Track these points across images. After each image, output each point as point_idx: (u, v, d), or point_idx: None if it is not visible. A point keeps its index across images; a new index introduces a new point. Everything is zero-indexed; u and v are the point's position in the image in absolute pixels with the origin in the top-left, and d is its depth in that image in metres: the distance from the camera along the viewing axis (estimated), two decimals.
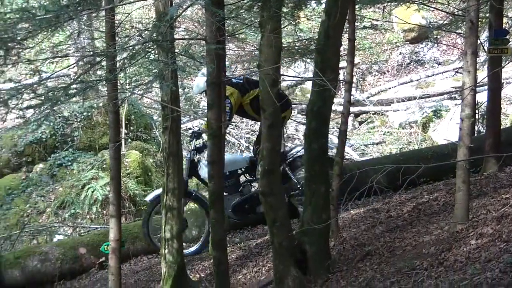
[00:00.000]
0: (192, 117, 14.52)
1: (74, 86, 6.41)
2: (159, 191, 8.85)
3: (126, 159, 11.96)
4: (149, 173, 12.37)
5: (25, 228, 11.37)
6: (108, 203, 8.86)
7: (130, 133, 12.82)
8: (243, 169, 8.83)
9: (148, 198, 8.86)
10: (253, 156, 8.67)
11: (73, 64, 11.67)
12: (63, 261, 8.85)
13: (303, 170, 7.36)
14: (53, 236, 9.82)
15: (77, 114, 12.91)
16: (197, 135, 8.77)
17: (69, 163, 12.62)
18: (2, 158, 13.17)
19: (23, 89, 6.17)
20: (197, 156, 8.66)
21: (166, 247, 6.65)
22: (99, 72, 8.26)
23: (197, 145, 8.66)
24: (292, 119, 14.11)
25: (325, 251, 5.89)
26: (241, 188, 8.74)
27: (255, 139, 9.39)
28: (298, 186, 8.44)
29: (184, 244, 8.56)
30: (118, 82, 6.25)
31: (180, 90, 7.18)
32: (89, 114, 12.83)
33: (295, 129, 15.32)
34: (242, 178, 8.91)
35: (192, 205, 9.18)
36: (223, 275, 5.46)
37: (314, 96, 5.77)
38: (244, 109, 8.60)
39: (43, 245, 10.08)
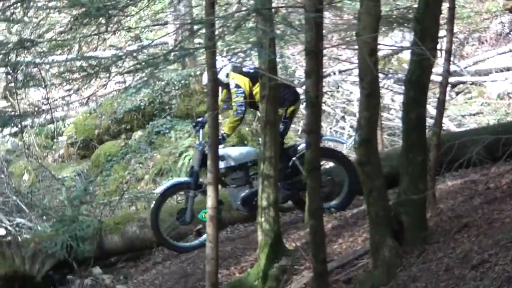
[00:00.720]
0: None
1: (173, 53, 6.61)
2: (169, 183, 9.11)
3: (223, 128, 12.24)
4: (245, 142, 12.58)
5: (124, 195, 11.81)
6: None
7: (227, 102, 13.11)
8: (252, 162, 8.86)
9: (158, 190, 9.09)
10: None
11: (172, 32, 11.96)
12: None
13: None
14: (151, 203, 10.15)
15: (175, 82, 13.22)
16: (202, 124, 8.86)
17: (167, 131, 12.98)
18: (102, 125, 13.67)
19: (124, 56, 6.41)
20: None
21: (263, 215, 6.81)
22: (196, 40, 8.48)
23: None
24: (388, 89, 14.08)
25: (422, 222, 5.92)
26: (250, 180, 8.81)
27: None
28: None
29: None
30: (217, 50, 6.38)
31: (277, 59, 7.28)
32: (187, 82, 13.12)
33: (391, 99, 15.24)
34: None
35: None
36: (319, 244, 5.56)
37: (412, 65, 5.78)
38: (255, 99, 8.62)
39: (142, 212, 10.47)
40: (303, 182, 8.43)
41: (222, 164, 8.49)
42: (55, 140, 15.89)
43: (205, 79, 8.39)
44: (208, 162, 6.06)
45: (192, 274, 8.09)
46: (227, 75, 8.72)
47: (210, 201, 5.97)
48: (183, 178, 9.05)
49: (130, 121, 13.52)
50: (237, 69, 8.82)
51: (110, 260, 10.22)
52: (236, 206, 8.91)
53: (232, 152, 8.90)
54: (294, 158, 8.69)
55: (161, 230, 8.85)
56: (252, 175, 8.82)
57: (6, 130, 13.42)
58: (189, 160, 11.64)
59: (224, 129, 8.74)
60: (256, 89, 8.39)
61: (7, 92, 17.03)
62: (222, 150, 8.45)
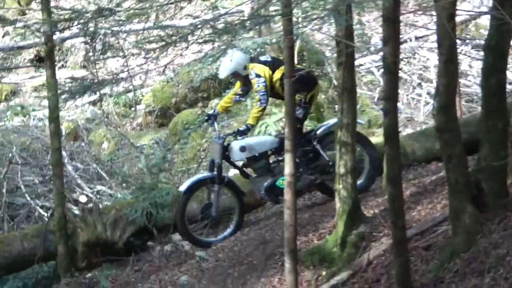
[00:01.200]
0: (365, 52, 14.65)
1: (249, 21, 6.70)
2: (193, 179, 9.16)
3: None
4: (321, 109, 12.65)
5: (202, 162, 12.06)
6: None
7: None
8: (273, 150, 8.94)
9: (182, 188, 9.11)
10: (282, 136, 8.65)
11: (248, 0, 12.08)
12: None
13: (333, 147, 7.61)
14: (228, 171, 10.36)
15: (251, 51, 13.35)
16: (214, 118, 9.01)
17: (243, 99, 13.16)
18: (179, 93, 13.95)
19: (201, 25, 6.54)
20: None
21: (341, 182, 6.91)
22: (272, 8, 8.53)
23: (239, 129, 8.94)
24: (465, 55, 13.92)
25: (502, 188, 5.92)
26: (271, 169, 8.89)
27: None
28: (330, 163, 8.50)
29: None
30: (293, 17, 6.45)
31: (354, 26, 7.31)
32: (263, 50, 13.23)
33: (469, 65, 15.07)
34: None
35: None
36: (398, 211, 5.62)
37: (492, 31, 5.76)
38: (275, 87, 8.71)
39: None
40: (325, 166, 8.56)
41: (244, 155, 8.78)
42: (133, 109, 16.33)
43: (223, 72, 8.95)
44: (285, 130, 6.15)
45: (271, 241, 8.27)
46: (245, 67, 8.78)
47: (287, 168, 6.08)
48: (206, 174, 9.04)
49: (207, 89, 13.77)
50: (255, 60, 8.97)
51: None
52: (260, 195, 9.09)
53: (252, 141, 8.97)
54: (314, 143, 8.75)
55: (190, 230, 9.11)
56: (273, 163, 8.97)
57: (86, 99, 13.81)
58: (266, 127, 11.80)
59: (248, 120, 8.91)
60: (276, 75, 8.61)
61: (86, 61, 17.54)
62: (242, 141, 8.75)
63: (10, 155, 13.13)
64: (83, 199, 12.11)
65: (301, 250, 7.22)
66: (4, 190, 12.36)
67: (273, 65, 8.72)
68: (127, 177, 12.27)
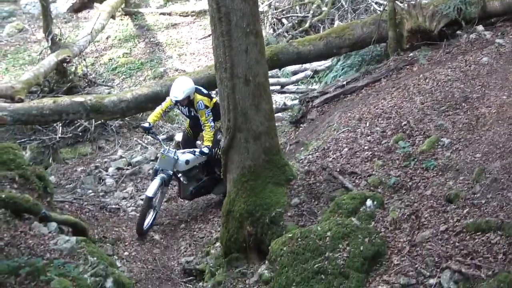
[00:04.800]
0: None
1: None
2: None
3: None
4: None
5: None
6: None
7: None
8: (202, 163, 9.94)
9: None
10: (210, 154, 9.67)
11: None
12: None
13: None
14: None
15: None
16: (152, 130, 9.79)
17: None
18: None
19: None
20: None
21: None
22: None
23: (202, 150, 9.67)
24: None
25: None
26: (198, 177, 10.07)
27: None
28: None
29: None
30: None
31: None
32: None
33: None
34: None
35: None
36: None
37: None
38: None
39: None
40: None
41: (187, 167, 9.81)
42: None
43: (180, 94, 9.51)
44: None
45: None
46: (189, 96, 9.60)
47: None
48: None
49: None
50: (199, 91, 9.80)
51: (491, 20, 11.68)
52: (183, 195, 10.22)
53: (192, 157, 9.86)
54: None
55: None
56: (199, 173, 10.11)
57: None
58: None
59: (206, 143, 9.65)
60: (211, 106, 9.65)
61: None
62: (186, 156, 9.75)
63: None
64: None
65: None
66: None
67: (209, 97, 9.83)
68: None
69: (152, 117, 9.76)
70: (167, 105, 9.75)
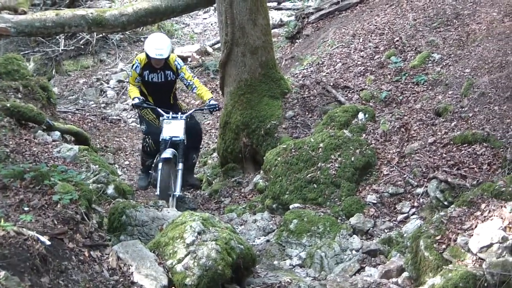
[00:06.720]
0: None
1: None
2: None
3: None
4: None
5: None
6: None
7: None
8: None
9: None
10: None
11: None
12: None
13: None
14: None
15: None
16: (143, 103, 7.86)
17: None
18: None
19: None
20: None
21: None
22: None
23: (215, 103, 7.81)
24: None
25: None
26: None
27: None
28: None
29: None
30: None
31: None
32: None
33: None
34: None
35: None
36: None
37: None
38: None
39: None
40: None
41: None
42: None
43: (166, 52, 7.69)
44: None
45: None
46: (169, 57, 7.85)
47: None
48: None
49: None
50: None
51: None
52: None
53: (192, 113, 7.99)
54: None
55: None
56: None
57: None
58: None
59: (209, 94, 7.82)
60: None
61: None
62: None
63: None
64: None
65: None
66: None
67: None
68: None
69: (135, 93, 7.83)
70: (134, 78, 7.90)
